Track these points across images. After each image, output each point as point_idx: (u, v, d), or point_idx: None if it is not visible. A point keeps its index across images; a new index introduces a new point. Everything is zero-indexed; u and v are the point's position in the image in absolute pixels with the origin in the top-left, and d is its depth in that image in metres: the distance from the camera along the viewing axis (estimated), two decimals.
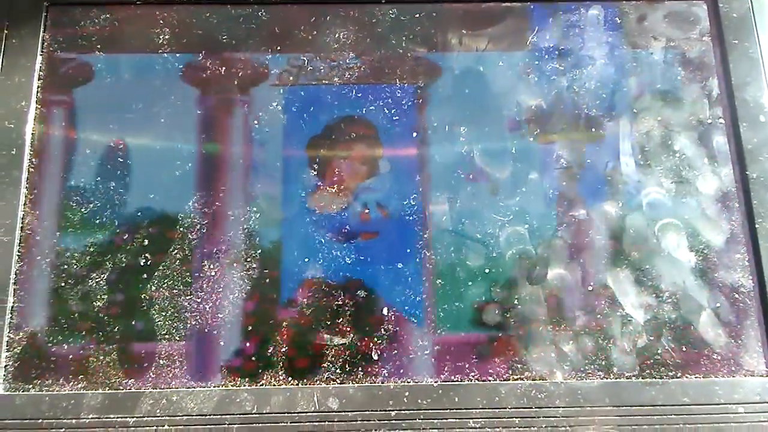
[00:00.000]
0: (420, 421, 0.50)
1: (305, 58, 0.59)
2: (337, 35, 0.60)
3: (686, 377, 0.52)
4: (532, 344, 0.53)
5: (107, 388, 0.51)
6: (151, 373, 0.52)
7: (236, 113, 0.59)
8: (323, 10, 0.61)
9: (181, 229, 0.55)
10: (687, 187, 0.57)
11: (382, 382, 0.52)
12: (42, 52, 0.59)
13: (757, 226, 0.55)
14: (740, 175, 0.56)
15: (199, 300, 0.53)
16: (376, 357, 0.53)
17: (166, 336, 0.53)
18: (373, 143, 0.58)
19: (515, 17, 0.61)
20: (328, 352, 0.53)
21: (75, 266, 0.54)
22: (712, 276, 0.55)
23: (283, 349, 0.53)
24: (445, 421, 0.50)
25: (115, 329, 0.53)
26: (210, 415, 0.50)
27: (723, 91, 0.59)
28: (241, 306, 0.53)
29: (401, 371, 0.52)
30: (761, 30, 0.59)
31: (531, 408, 0.51)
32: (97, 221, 0.55)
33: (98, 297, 0.53)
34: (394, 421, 0.50)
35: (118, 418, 0.50)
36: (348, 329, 0.53)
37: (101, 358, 0.52)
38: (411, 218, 0.55)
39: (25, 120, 0.57)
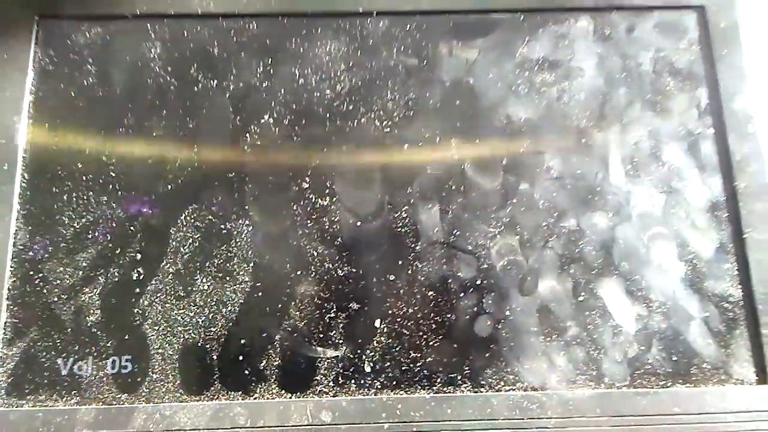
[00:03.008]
0: None
1: None
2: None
3: (676, 386, 0.53)
4: (523, 355, 0.53)
5: (100, 404, 0.51)
6: (144, 388, 0.52)
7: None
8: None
9: (174, 242, 0.55)
10: (676, 198, 0.57)
11: (375, 394, 0.52)
12: (33, 66, 0.59)
13: (745, 236, 0.55)
14: (728, 186, 0.57)
15: (192, 314, 0.54)
16: (369, 369, 0.53)
17: (159, 350, 0.53)
18: None
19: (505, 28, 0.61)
20: (321, 365, 0.53)
21: (67, 281, 0.54)
22: (701, 286, 0.55)
23: (277, 363, 0.53)
24: None
25: (108, 344, 0.53)
26: (203, 429, 0.50)
27: (712, 101, 0.59)
28: (233, 320, 0.54)
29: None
30: (749, 40, 0.60)
31: (523, 419, 0.51)
32: (90, 236, 0.55)
33: (91, 312, 0.53)
34: None
35: None
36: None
37: (94, 373, 0.52)
38: None
39: (17, 135, 0.57)
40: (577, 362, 0.53)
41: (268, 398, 0.52)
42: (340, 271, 0.55)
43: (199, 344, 0.53)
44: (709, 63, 0.60)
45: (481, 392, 0.53)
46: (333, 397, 0.52)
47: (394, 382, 0.53)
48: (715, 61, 0.60)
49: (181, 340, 0.53)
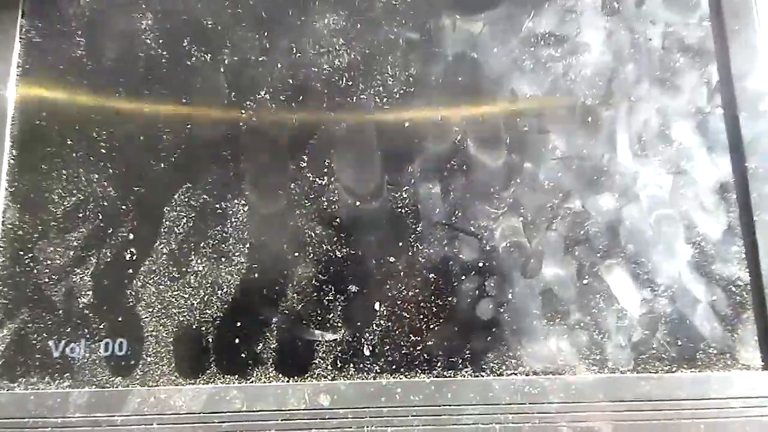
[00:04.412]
0: (412, 417, 0.50)
1: None
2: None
3: (681, 371, 0.52)
4: (525, 338, 0.52)
5: (94, 387, 0.50)
6: (138, 371, 0.51)
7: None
8: None
9: (168, 222, 0.54)
10: (684, 178, 0.55)
11: (374, 378, 0.51)
12: (21, 39, 0.57)
13: (755, 218, 0.54)
14: (738, 166, 0.55)
15: (186, 296, 0.52)
16: (368, 353, 0.52)
17: (153, 333, 0.52)
18: None
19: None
20: (319, 348, 0.52)
21: (59, 261, 0.53)
22: (708, 269, 0.54)
23: (274, 346, 0.52)
24: (438, 417, 0.50)
25: (101, 326, 0.52)
26: (199, 413, 0.49)
27: (722, 79, 0.57)
28: (229, 302, 0.52)
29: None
30: (762, 16, 0.58)
31: (525, 404, 0.50)
32: (81, 214, 0.54)
33: (83, 293, 0.52)
34: (386, 418, 0.50)
35: (105, 416, 0.49)
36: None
37: (87, 355, 0.51)
38: None
39: (5, 109, 0.55)
40: (580, 346, 0.52)
41: (264, 382, 0.51)
42: (338, 253, 0.53)
43: (195, 327, 0.52)
44: (721, 39, 0.58)
45: (482, 376, 0.51)
46: (331, 380, 0.51)
47: (394, 366, 0.51)
48: (726, 38, 0.58)
49: (176, 322, 0.52)
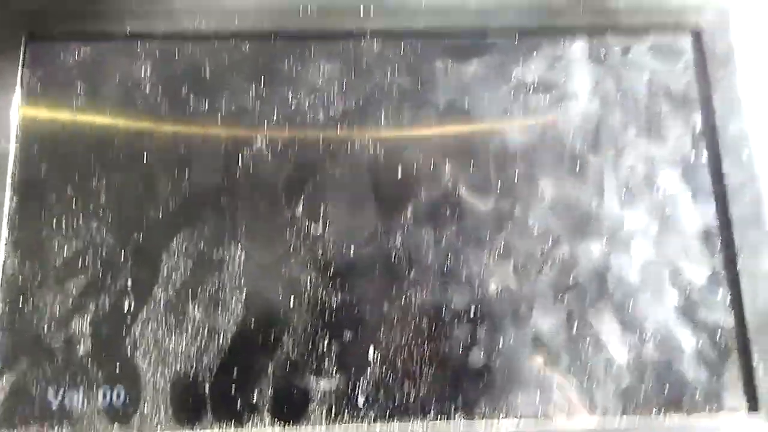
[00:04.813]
0: None
1: None
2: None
3: (669, 416, 0.53)
4: (516, 384, 0.53)
5: None
6: (136, 419, 0.52)
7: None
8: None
9: (165, 270, 0.55)
10: (669, 225, 0.57)
11: (369, 425, 0.52)
12: (21, 87, 0.58)
13: (738, 264, 0.55)
14: (722, 213, 0.57)
15: (183, 343, 0.53)
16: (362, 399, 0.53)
17: (151, 380, 0.52)
18: None
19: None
20: (314, 395, 0.53)
21: (58, 310, 0.53)
22: (693, 315, 0.55)
23: (269, 393, 0.52)
24: None
25: (99, 374, 0.52)
26: None
27: (706, 127, 0.59)
28: (226, 349, 0.53)
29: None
30: (745, 65, 0.60)
31: None
32: (80, 263, 0.54)
33: (82, 341, 0.53)
34: None
35: None
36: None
37: (85, 404, 0.52)
38: None
39: (6, 158, 0.56)
40: (570, 392, 0.53)
41: (261, 429, 0.52)
42: (333, 300, 0.54)
43: (191, 374, 0.53)
44: (705, 87, 0.60)
45: (475, 421, 0.52)
46: (327, 425, 0.52)
47: (388, 413, 0.52)
48: (710, 86, 0.60)
49: (173, 370, 0.53)
